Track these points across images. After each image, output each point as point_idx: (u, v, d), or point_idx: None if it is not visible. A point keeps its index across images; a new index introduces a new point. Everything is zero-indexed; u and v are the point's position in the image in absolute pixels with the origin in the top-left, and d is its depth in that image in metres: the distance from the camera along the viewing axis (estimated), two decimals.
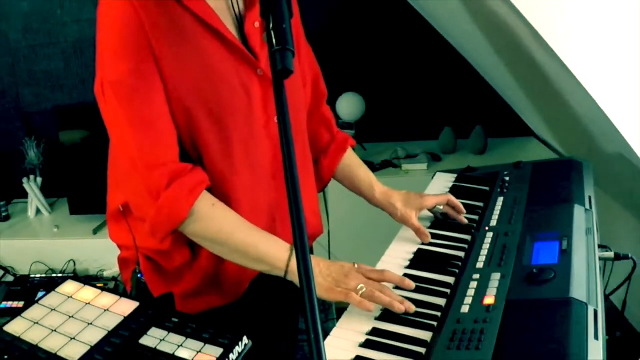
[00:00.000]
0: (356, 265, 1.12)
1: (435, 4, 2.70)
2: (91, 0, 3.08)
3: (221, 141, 1.15)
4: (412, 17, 3.02)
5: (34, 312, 1.05)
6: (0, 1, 3.08)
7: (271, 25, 0.87)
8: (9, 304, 2.90)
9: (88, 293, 1.11)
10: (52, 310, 1.06)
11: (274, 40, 0.85)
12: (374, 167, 2.99)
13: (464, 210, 1.42)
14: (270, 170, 1.23)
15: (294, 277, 1.10)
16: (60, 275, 3.00)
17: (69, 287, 1.12)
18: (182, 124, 1.12)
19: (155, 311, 1.03)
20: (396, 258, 1.30)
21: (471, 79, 3.11)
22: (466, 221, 1.41)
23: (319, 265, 1.11)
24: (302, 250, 0.66)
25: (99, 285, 1.14)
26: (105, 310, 1.05)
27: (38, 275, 3.00)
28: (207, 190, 1.13)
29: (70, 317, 1.04)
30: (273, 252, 1.12)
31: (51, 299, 1.09)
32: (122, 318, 1.03)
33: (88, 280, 3.00)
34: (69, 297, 1.10)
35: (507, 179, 1.71)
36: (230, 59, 1.15)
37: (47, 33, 3.11)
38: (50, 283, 2.95)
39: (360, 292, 1.07)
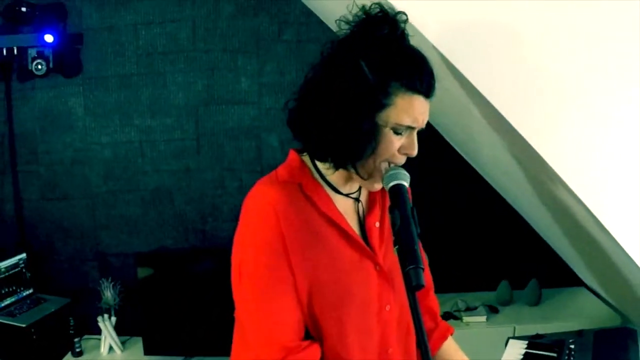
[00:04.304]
0: None
1: (503, 180, 2.89)
2: (170, 152, 3.26)
3: (338, 326, 1.30)
4: (474, 179, 3.21)
5: None
6: (85, 147, 3.26)
7: (404, 246, 1.07)
8: None
9: None
10: None
11: (406, 260, 1.06)
12: None
13: None
14: (377, 351, 1.37)
15: None
16: None
17: None
18: (305, 310, 1.28)
19: None
20: None
21: (527, 235, 3.29)
22: None
23: None
24: None
25: None
26: None
27: None
28: None
29: None
30: None
31: None
32: None
33: None
34: None
35: (572, 346, 1.94)
36: (355, 256, 1.32)
37: (127, 180, 3.28)
38: None
39: None
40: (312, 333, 1.31)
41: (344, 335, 1.31)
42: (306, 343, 1.28)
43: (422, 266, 1.05)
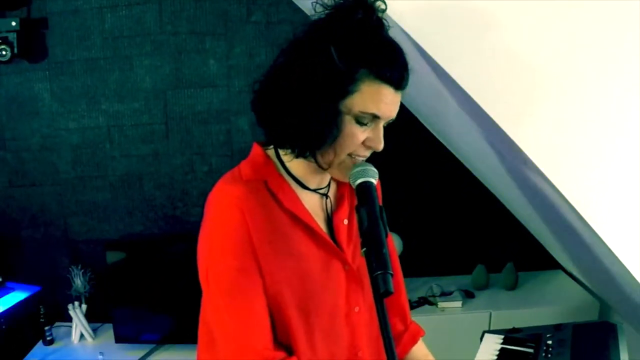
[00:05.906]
0: None
1: (482, 167, 2.84)
2: (139, 137, 3.20)
3: (306, 329, 1.25)
4: (450, 163, 3.15)
5: None
6: (52, 133, 3.20)
7: (371, 249, 1.03)
8: None
9: None
10: None
11: (374, 264, 1.01)
12: (411, 305, 3.09)
13: None
14: (346, 354, 1.33)
15: None
16: None
17: None
18: (274, 313, 1.22)
19: None
20: None
21: (503, 218, 3.23)
22: None
23: None
24: None
25: None
26: None
27: None
28: None
29: None
30: None
31: None
32: None
33: None
34: None
35: (550, 342, 1.86)
36: (322, 255, 1.27)
37: (95, 165, 3.22)
38: None
39: None
40: (280, 339, 1.25)
41: (312, 338, 1.26)
42: (281, 355, 1.22)
43: (390, 271, 1.00)
